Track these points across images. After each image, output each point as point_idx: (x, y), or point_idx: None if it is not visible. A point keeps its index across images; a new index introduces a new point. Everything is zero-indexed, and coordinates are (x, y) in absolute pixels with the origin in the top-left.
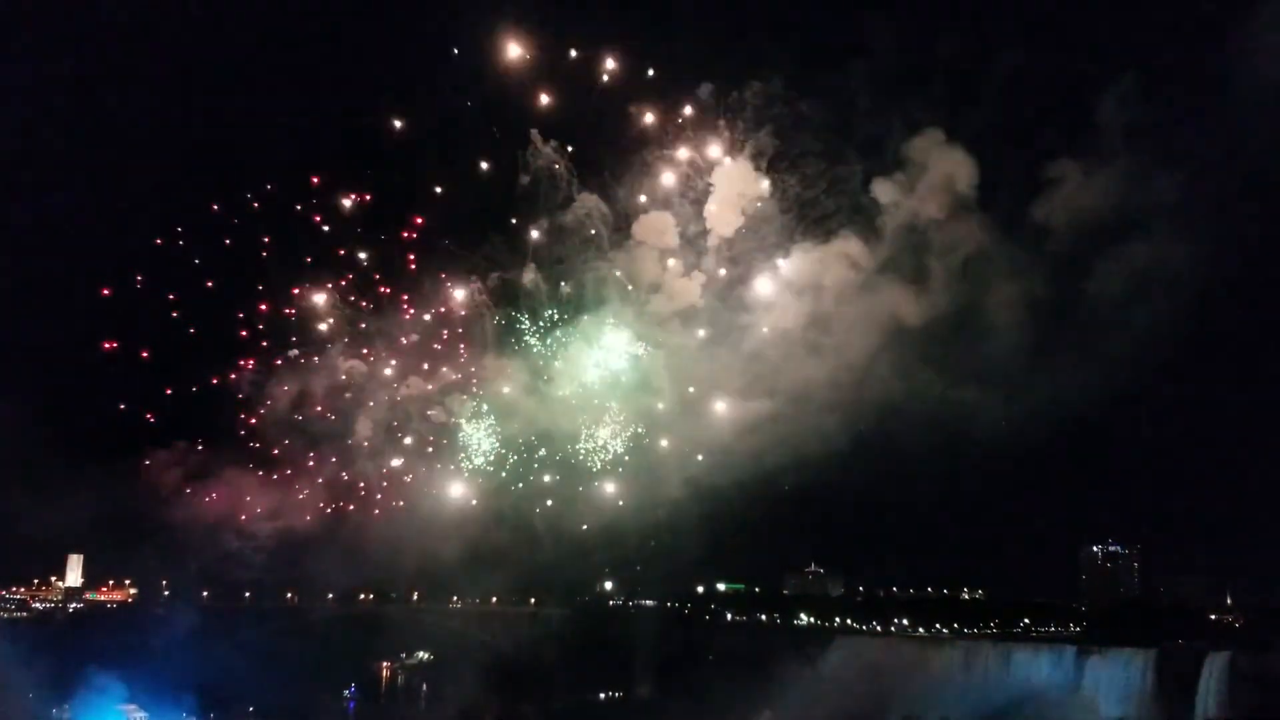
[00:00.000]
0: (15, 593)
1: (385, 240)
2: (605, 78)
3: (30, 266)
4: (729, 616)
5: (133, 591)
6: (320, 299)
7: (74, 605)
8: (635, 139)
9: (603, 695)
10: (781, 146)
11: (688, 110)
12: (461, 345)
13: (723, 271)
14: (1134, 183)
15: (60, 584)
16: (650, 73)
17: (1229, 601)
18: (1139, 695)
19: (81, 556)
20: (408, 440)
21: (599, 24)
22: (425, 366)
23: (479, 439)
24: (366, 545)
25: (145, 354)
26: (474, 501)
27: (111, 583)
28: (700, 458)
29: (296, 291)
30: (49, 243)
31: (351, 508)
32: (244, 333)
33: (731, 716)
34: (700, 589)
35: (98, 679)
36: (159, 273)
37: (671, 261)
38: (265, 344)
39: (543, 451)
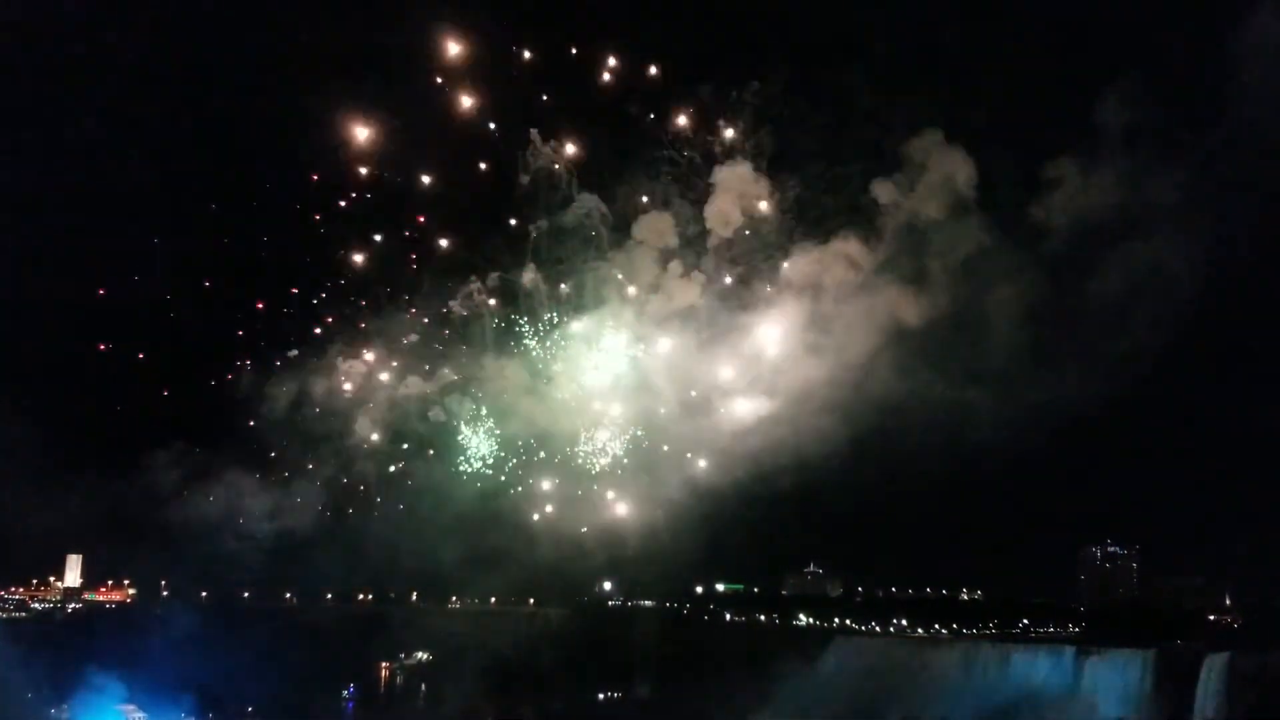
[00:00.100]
0: (14, 593)
1: (385, 240)
2: (606, 77)
3: (29, 266)
4: (728, 617)
5: (131, 592)
6: (319, 299)
7: (73, 605)
8: (635, 139)
9: (602, 695)
10: (781, 147)
11: (688, 110)
12: (461, 346)
13: (726, 277)
14: (1134, 183)
15: (59, 584)
16: (650, 72)
17: (1228, 602)
18: (1138, 696)
19: (80, 557)
20: (406, 442)
21: (599, 23)
22: (425, 367)
23: (478, 441)
24: (365, 546)
25: (141, 354)
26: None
27: (110, 583)
28: (702, 463)
29: (295, 291)
30: (47, 242)
31: (350, 508)
32: (243, 333)
33: (730, 716)
34: (699, 589)
35: (96, 679)
36: (158, 272)
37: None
38: (264, 344)
39: (542, 454)
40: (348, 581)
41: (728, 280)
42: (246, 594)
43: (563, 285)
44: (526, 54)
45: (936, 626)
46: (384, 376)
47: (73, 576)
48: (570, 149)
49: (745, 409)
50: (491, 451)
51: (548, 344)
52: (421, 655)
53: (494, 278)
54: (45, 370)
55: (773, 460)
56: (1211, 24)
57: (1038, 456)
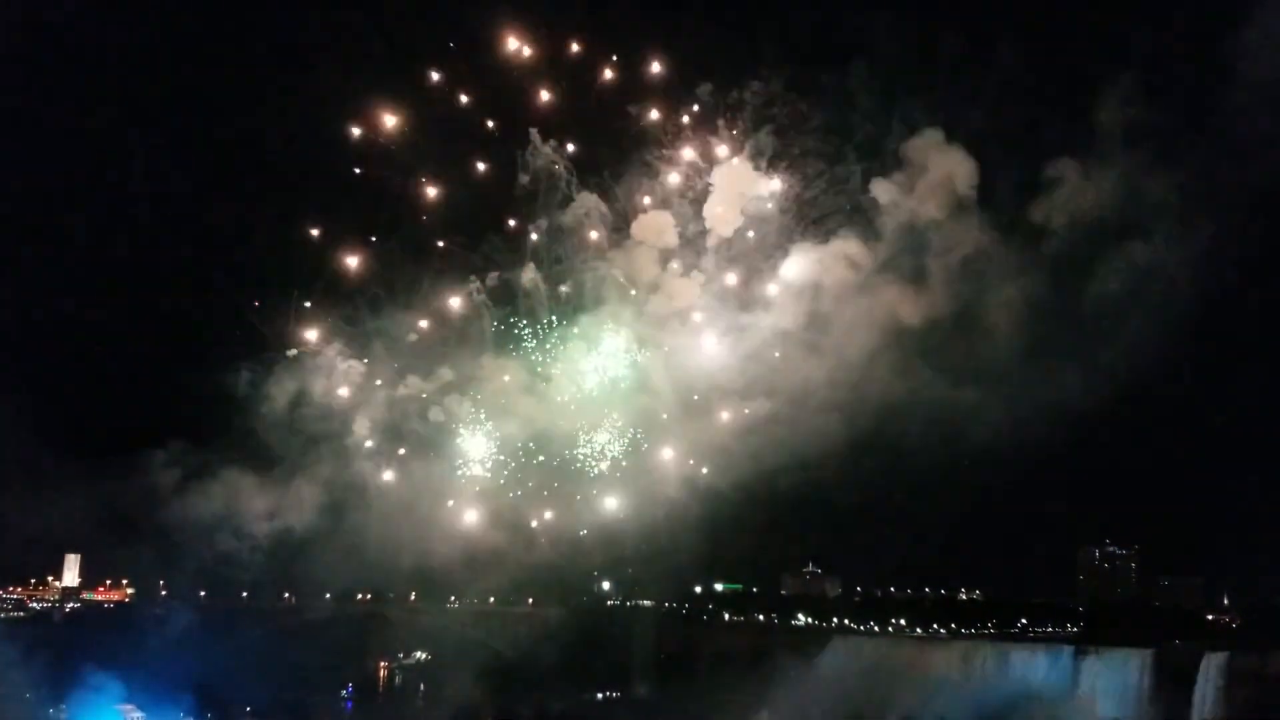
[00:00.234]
0: (12, 592)
1: (385, 239)
2: (608, 74)
3: (28, 265)
4: (727, 617)
5: (130, 591)
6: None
7: (71, 605)
8: (635, 138)
9: (600, 695)
10: (781, 146)
11: (688, 110)
12: (460, 346)
13: (726, 277)
14: (1134, 183)
15: (57, 584)
16: (650, 71)
17: (1226, 602)
18: (1136, 695)
19: (79, 556)
20: (405, 441)
21: (599, 23)
22: (424, 367)
23: (476, 444)
24: (364, 545)
25: (141, 354)
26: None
27: (109, 582)
28: (704, 469)
29: (295, 292)
30: (46, 241)
31: (349, 508)
32: (242, 332)
33: (729, 716)
34: (698, 589)
35: (95, 679)
36: (157, 271)
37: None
38: (264, 344)
39: (541, 458)
40: (346, 581)
41: (728, 280)
42: (245, 594)
43: (562, 285)
44: (527, 53)
45: (935, 626)
46: (383, 376)
47: (71, 576)
48: (570, 148)
49: (745, 409)
50: (491, 454)
51: (547, 345)
52: (420, 655)
53: (493, 277)
54: (45, 370)
55: (772, 460)
56: (1211, 24)
57: (1037, 456)
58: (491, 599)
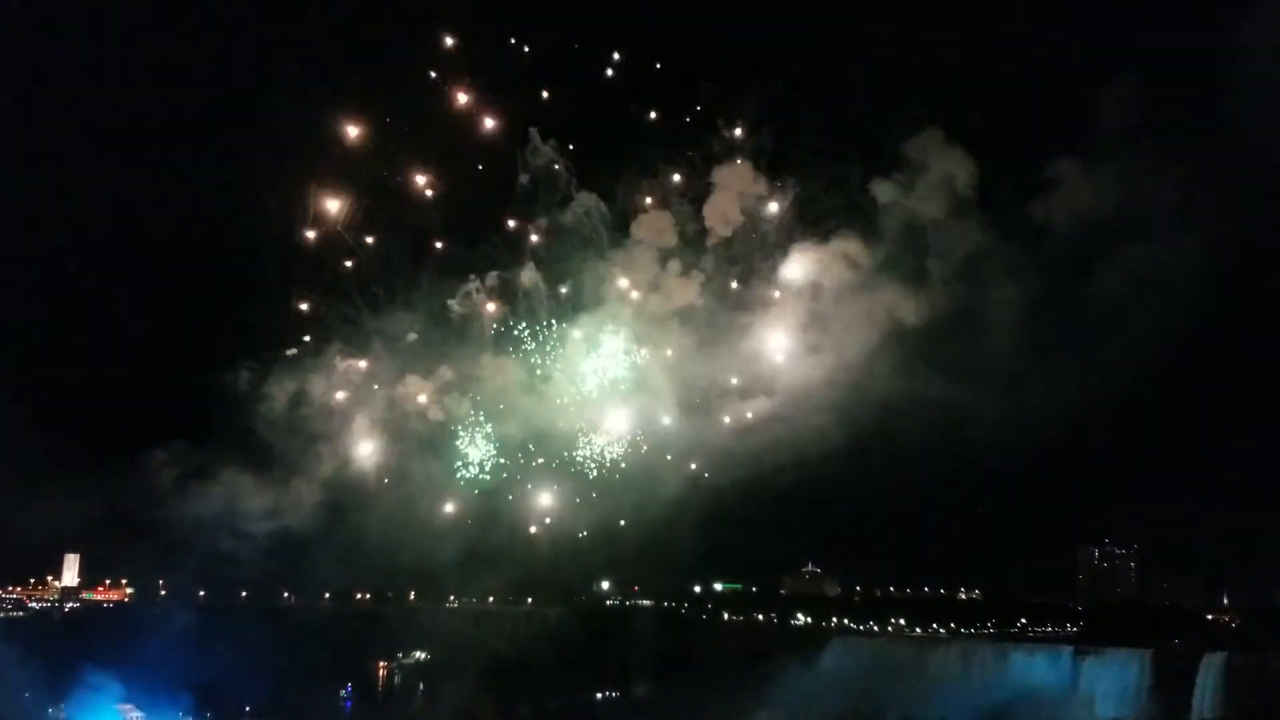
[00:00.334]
0: (11, 592)
1: (384, 239)
2: (609, 73)
3: (28, 264)
4: (726, 616)
5: (129, 591)
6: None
7: (70, 605)
8: (635, 138)
9: (600, 695)
10: (781, 146)
11: (688, 109)
12: (460, 346)
13: (726, 277)
14: (1134, 183)
15: (56, 583)
16: (651, 71)
17: (1225, 602)
18: (1135, 695)
19: (78, 556)
20: (404, 441)
21: (599, 23)
22: (424, 367)
23: (476, 445)
24: (363, 545)
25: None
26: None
27: (108, 582)
28: (704, 469)
29: (295, 291)
30: (46, 241)
31: (349, 508)
32: (241, 332)
33: (728, 716)
34: (697, 589)
35: (94, 678)
36: (157, 271)
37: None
38: (263, 343)
39: (540, 460)
40: (346, 581)
41: (728, 280)
42: (244, 593)
43: (561, 285)
44: (526, 51)
45: (934, 626)
46: (383, 376)
47: (70, 576)
48: (570, 147)
49: (744, 409)
50: (490, 456)
51: (547, 345)
52: (419, 654)
53: (493, 277)
54: (44, 369)
55: (772, 460)
56: (1211, 24)
57: (1037, 456)
58: (491, 599)
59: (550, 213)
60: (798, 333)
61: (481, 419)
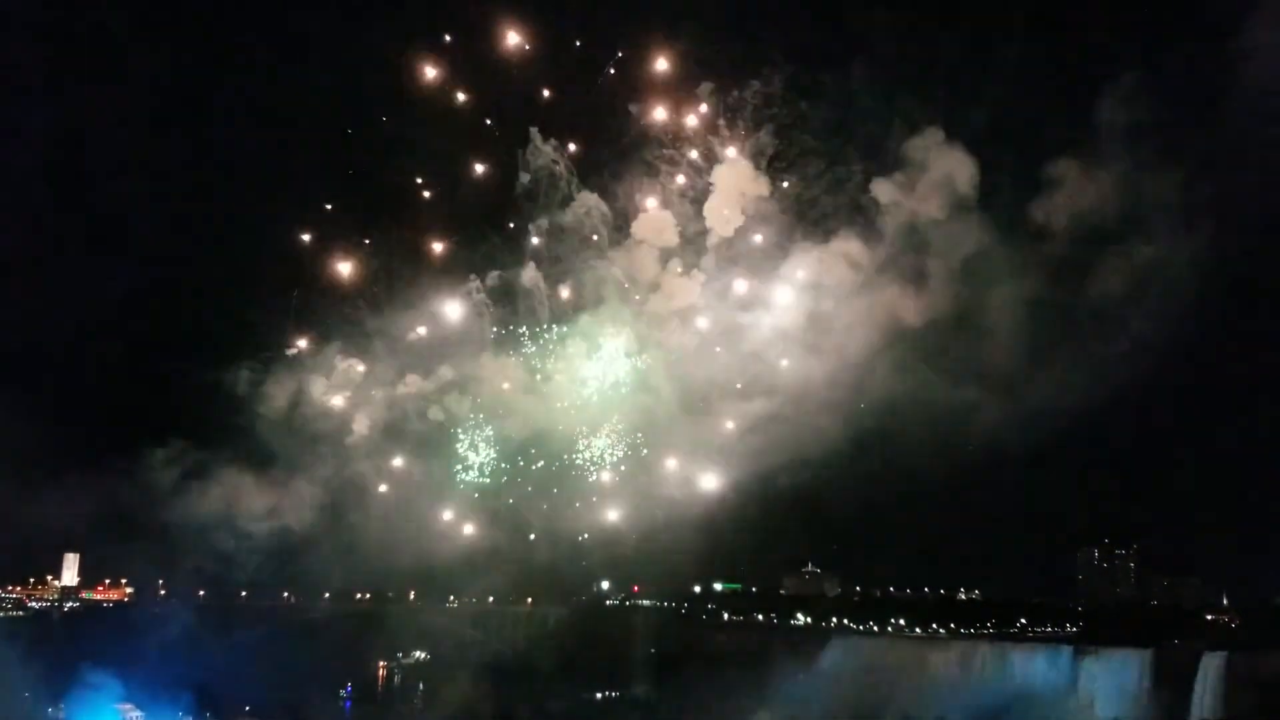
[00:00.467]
0: (11, 591)
1: (385, 238)
2: (611, 72)
3: (28, 264)
4: (726, 616)
5: (129, 590)
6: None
7: (70, 604)
8: (635, 138)
9: (600, 695)
10: (781, 146)
11: (688, 109)
12: (460, 345)
13: (728, 276)
14: (1134, 183)
15: (56, 583)
16: (651, 70)
17: (1225, 602)
18: (1135, 695)
19: (78, 555)
20: (404, 441)
21: (599, 22)
22: (424, 366)
23: (475, 449)
24: (363, 545)
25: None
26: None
27: (108, 581)
28: (704, 469)
29: (295, 291)
30: (46, 241)
31: (348, 508)
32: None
33: (728, 716)
34: (698, 588)
35: (93, 678)
36: (157, 271)
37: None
38: (264, 344)
39: (540, 464)
40: (345, 581)
41: (728, 280)
42: (244, 593)
43: (562, 285)
44: (527, 51)
45: (934, 626)
46: (383, 376)
47: (70, 575)
48: (571, 147)
49: (744, 409)
50: (490, 460)
51: (547, 345)
52: (419, 655)
53: (493, 277)
54: (44, 369)
55: (772, 460)
56: (1211, 24)
57: (1036, 457)
58: (491, 599)
59: (551, 212)
60: (798, 333)
61: (481, 420)
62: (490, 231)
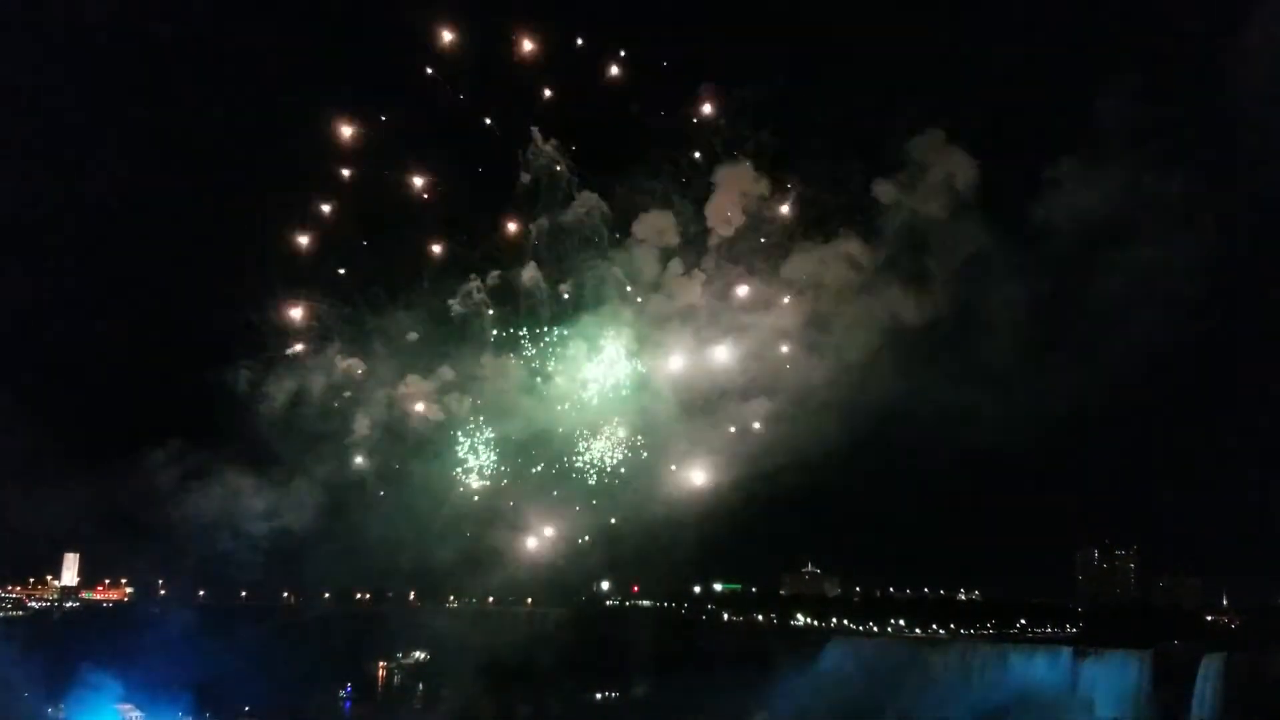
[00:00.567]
0: (11, 591)
1: (385, 238)
2: (614, 71)
3: (28, 264)
4: (726, 616)
5: (129, 590)
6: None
7: (70, 604)
8: (636, 138)
9: (599, 695)
10: (783, 145)
11: (690, 109)
12: (461, 345)
13: (729, 276)
14: (1136, 183)
15: (56, 583)
16: (655, 69)
17: (1225, 603)
18: (1135, 696)
19: (78, 555)
20: (405, 441)
21: (600, 22)
22: (424, 366)
23: (474, 452)
24: (364, 545)
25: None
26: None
27: (107, 581)
28: (703, 469)
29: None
30: (46, 240)
31: (348, 508)
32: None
33: (728, 716)
34: (697, 589)
35: (93, 678)
36: (157, 270)
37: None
38: (263, 342)
39: (539, 467)
40: (345, 581)
41: (729, 280)
42: (244, 593)
43: (562, 285)
44: (528, 50)
45: (934, 626)
46: (383, 376)
47: (70, 575)
48: (572, 147)
49: (745, 409)
50: (490, 462)
51: (547, 346)
52: (419, 655)
53: (494, 277)
54: (43, 369)
55: (772, 460)
56: (1211, 24)
57: (1037, 456)
58: (491, 599)
59: (552, 212)
60: (799, 333)
61: (481, 421)
62: (491, 231)
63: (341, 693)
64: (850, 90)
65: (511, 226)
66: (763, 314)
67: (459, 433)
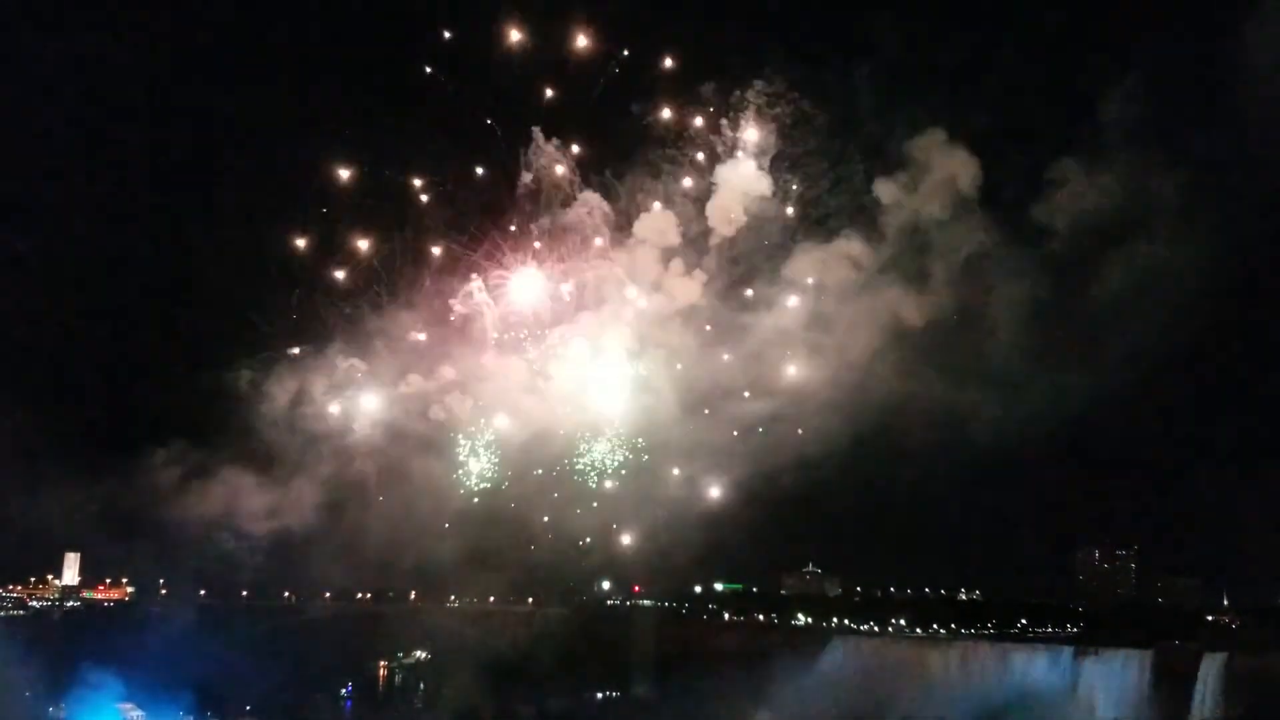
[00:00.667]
0: (11, 590)
1: (385, 239)
2: (616, 69)
3: (27, 264)
4: (726, 616)
5: (129, 590)
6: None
7: (70, 603)
8: (638, 137)
9: (600, 695)
10: (784, 146)
11: (690, 109)
12: (461, 346)
13: (730, 276)
14: (1136, 183)
15: (57, 582)
16: (654, 70)
17: (1226, 603)
18: (1135, 696)
19: (78, 554)
20: (405, 441)
21: (602, 20)
22: (424, 366)
23: (475, 454)
24: (364, 544)
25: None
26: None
27: (108, 581)
28: (704, 469)
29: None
30: (46, 240)
31: (349, 507)
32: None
33: (728, 716)
34: (698, 588)
35: (94, 677)
36: (157, 270)
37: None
38: (264, 343)
39: (540, 470)
40: (346, 580)
41: (730, 280)
42: (245, 592)
43: (563, 285)
44: (529, 50)
45: (935, 626)
46: (383, 376)
47: (70, 574)
48: (573, 147)
49: (746, 409)
50: (491, 464)
51: (548, 346)
52: (420, 654)
53: (494, 276)
54: (44, 368)
55: (773, 460)
56: (1211, 24)
57: (1036, 457)
58: (491, 599)
59: (553, 212)
60: (799, 333)
61: (481, 422)
62: (492, 231)
63: (342, 692)
64: (853, 90)
65: (512, 227)
66: (763, 314)
67: (459, 434)
